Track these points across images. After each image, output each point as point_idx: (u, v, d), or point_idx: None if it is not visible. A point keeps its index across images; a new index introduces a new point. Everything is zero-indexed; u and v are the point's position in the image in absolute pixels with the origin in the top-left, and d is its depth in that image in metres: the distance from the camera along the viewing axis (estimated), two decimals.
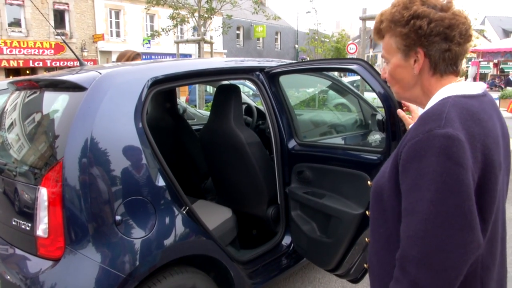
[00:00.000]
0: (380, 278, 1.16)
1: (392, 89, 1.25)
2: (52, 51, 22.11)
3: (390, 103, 1.91)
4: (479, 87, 1.12)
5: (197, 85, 10.72)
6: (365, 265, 1.30)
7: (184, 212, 2.11)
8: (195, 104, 11.21)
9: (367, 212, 1.27)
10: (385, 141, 2.07)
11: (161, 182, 2.01)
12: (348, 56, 15.34)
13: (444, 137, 0.95)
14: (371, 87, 2.03)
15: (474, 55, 19.73)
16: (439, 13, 1.09)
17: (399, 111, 1.63)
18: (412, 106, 1.61)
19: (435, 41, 1.09)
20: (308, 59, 25.62)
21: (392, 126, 1.92)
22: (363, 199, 2.21)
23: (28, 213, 1.90)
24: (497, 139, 1.05)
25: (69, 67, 21.18)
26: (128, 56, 3.72)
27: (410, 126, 1.26)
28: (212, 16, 11.98)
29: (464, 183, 0.94)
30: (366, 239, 1.29)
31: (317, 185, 2.56)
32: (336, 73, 4.08)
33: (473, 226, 0.95)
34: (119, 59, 3.77)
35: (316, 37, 24.42)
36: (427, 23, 1.08)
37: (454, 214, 0.94)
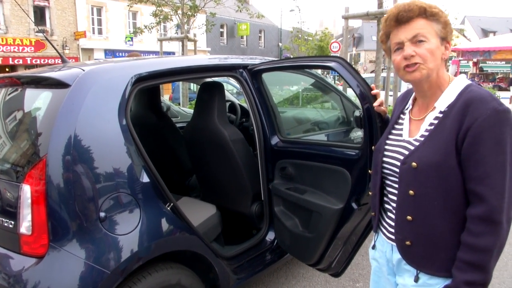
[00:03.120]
0: (436, 243, 1.34)
1: (426, 66, 1.35)
2: (33, 48, 21.71)
3: (367, 100, 1.96)
4: None
5: (180, 83, 10.67)
6: (407, 242, 1.39)
7: (168, 208, 2.13)
8: (178, 102, 11.16)
9: (411, 192, 1.36)
10: (363, 137, 2.12)
11: (145, 179, 2.02)
12: (331, 55, 15.45)
13: (506, 111, 1.22)
14: (348, 84, 2.08)
15: (454, 54, 20.07)
16: None
17: (377, 107, 1.85)
18: (381, 98, 1.88)
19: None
20: (291, 57, 25.71)
21: (369, 122, 1.97)
22: (343, 194, 2.26)
23: (11, 211, 1.88)
24: None
25: (50, 64, 20.82)
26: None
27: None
28: (195, 14, 11.91)
29: None
30: (409, 217, 1.38)
31: (299, 181, 2.60)
32: (319, 71, 4.12)
33: None
34: None
35: (300, 36, 24.54)
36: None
37: None
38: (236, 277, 2.55)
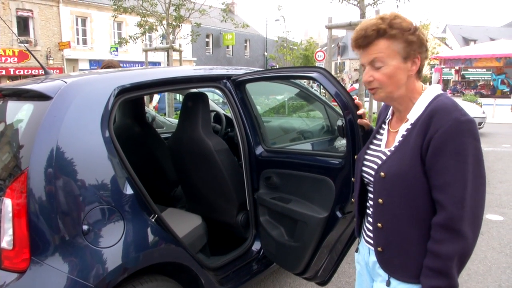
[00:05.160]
0: (405, 250, 1.37)
1: (384, 90, 1.38)
2: (16, 59, 21.47)
3: (349, 110, 1.98)
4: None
5: (166, 93, 10.64)
6: (378, 248, 1.43)
7: (153, 220, 2.11)
8: (164, 112, 11.12)
9: (380, 200, 1.39)
10: (346, 146, 2.14)
11: (129, 191, 2.01)
12: (316, 63, 15.60)
13: (469, 122, 1.23)
14: (330, 94, 2.10)
15: (437, 61, 20.44)
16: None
17: (359, 120, 1.86)
18: (364, 110, 1.89)
19: (424, 50, 1.37)
20: (277, 66, 25.87)
21: (351, 131, 1.99)
22: (327, 203, 2.28)
23: None
24: None
25: (34, 75, 20.60)
26: (104, 66, 3.96)
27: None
28: (180, 24, 11.94)
29: (482, 154, 1.27)
30: (379, 224, 1.41)
31: (284, 190, 2.61)
32: (304, 81, 4.17)
33: None
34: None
35: (285, 45, 24.69)
36: (423, 35, 1.35)
37: (482, 177, 1.26)
38: (222, 287, 2.54)
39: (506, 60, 18.17)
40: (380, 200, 1.40)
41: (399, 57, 1.34)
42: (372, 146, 1.55)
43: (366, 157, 1.53)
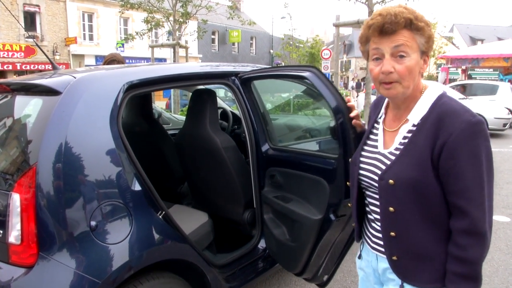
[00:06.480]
0: (422, 257, 1.34)
1: (402, 85, 1.31)
2: (22, 54, 21.57)
3: (340, 112, 1.95)
4: None
5: (172, 90, 10.64)
6: (393, 257, 1.39)
7: (160, 216, 2.11)
8: (170, 109, 11.13)
9: (391, 208, 1.34)
10: (338, 148, 2.09)
11: (137, 187, 2.00)
12: (322, 62, 15.50)
13: (480, 123, 1.22)
14: (321, 95, 2.05)
15: (444, 61, 20.32)
16: None
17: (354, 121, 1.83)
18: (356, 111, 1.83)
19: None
20: (283, 64, 25.81)
21: (343, 133, 1.95)
22: (322, 204, 2.23)
23: (0, 220, 1.86)
24: None
25: (40, 70, 20.70)
26: (107, 60, 3.97)
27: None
28: (187, 21, 11.93)
29: (492, 152, 1.27)
30: (392, 233, 1.36)
31: (286, 189, 2.58)
32: None
33: None
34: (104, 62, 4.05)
35: (291, 43, 24.64)
36: None
37: (493, 176, 1.27)
38: (228, 285, 2.53)
39: None
40: (391, 209, 1.34)
41: (418, 51, 1.30)
42: (367, 148, 1.49)
43: (362, 159, 1.47)
